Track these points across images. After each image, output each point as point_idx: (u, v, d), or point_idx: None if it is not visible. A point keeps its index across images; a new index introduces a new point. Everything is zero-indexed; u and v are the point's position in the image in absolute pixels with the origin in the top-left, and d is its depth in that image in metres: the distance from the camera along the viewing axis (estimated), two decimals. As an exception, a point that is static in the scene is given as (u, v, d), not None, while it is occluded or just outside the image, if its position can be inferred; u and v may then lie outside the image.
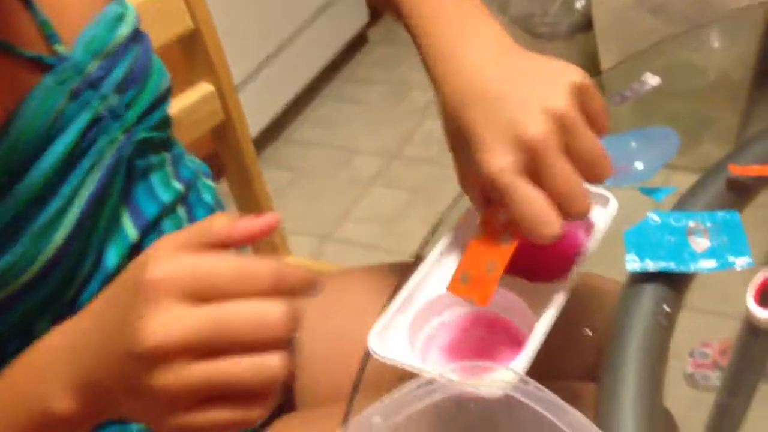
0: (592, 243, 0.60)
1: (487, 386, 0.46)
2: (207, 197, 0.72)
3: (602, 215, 0.62)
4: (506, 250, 0.54)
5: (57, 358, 0.45)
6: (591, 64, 1.96)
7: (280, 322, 0.40)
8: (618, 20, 1.88)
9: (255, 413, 0.41)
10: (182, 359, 0.39)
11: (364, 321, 0.75)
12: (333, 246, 1.97)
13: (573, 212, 0.52)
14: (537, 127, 0.51)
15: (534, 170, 0.52)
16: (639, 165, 0.68)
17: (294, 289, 0.42)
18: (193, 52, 0.97)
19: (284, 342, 0.41)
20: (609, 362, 0.56)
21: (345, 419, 0.58)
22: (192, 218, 0.69)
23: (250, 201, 1.10)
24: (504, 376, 0.46)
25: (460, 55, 0.56)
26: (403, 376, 0.55)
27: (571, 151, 0.52)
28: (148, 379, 0.40)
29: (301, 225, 2.00)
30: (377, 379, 0.60)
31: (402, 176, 2.13)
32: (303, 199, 2.12)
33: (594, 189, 0.64)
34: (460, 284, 0.55)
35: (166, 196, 0.67)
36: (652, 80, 0.79)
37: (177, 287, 0.40)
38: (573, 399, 0.45)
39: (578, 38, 2.02)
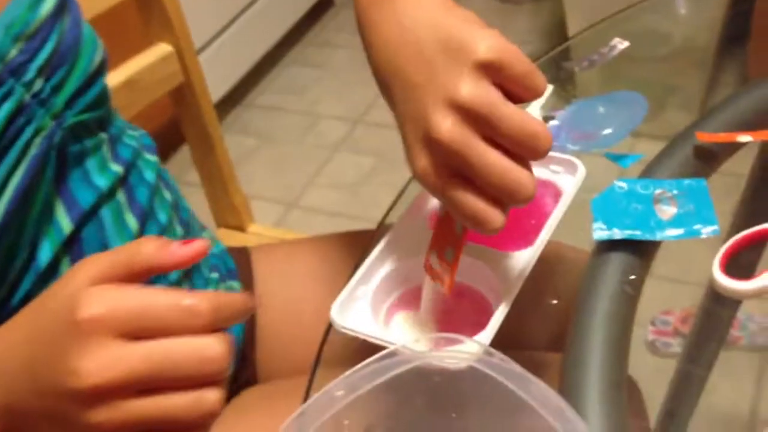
0: (559, 210, 0.59)
1: (451, 358, 0.45)
2: (149, 175, 0.68)
3: (569, 182, 0.61)
4: (459, 237, 0.52)
5: None
6: (559, 29, 1.94)
7: (218, 357, 0.40)
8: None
9: None
10: (118, 397, 0.40)
11: (325, 291, 0.73)
12: (297, 213, 1.95)
13: (514, 202, 0.48)
14: (441, 127, 0.46)
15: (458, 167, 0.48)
16: (607, 130, 0.67)
17: (231, 319, 0.42)
18: (150, 10, 0.94)
19: (222, 375, 0.41)
20: (575, 331, 0.55)
21: (307, 393, 0.57)
22: (133, 201, 0.65)
23: (212, 167, 1.08)
24: (469, 348, 0.45)
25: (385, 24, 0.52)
26: (367, 348, 0.53)
27: (494, 136, 0.47)
28: (83, 417, 0.40)
29: (265, 191, 1.98)
30: (340, 351, 0.59)
31: (367, 141, 2.11)
32: (267, 165, 2.09)
33: (561, 155, 0.63)
34: (431, 267, 0.54)
35: (102, 182, 0.62)
36: (621, 45, 0.78)
37: (112, 326, 0.40)
38: (538, 369, 0.44)
39: (546, 2, 2.01)
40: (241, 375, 0.78)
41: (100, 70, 0.62)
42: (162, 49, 0.95)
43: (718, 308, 0.99)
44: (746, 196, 0.89)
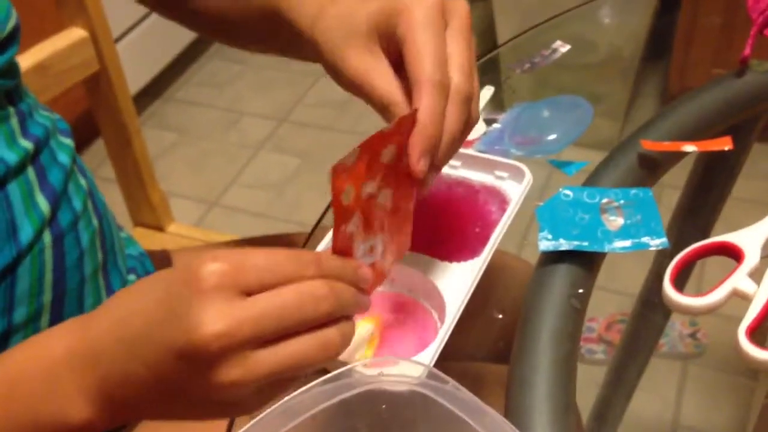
0: (505, 220, 0.55)
1: (394, 381, 0.41)
2: (63, 158, 0.64)
3: (515, 189, 0.58)
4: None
5: (74, 365, 0.42)
6: (488, 34, 1.93)
7: (329, 294, 0.40)
8: (517, -10, 1.86)
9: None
10: (247, 349, 0.38)
11: None
12: (219, 212, 1.87)
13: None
14: None
15: None
16: (551, 136, 0.64)
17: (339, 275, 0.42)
18: (63, -9, 0.87)
19: (336, 312, 0.41)
20: (520, 350, 0.52)
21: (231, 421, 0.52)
22: (44, 182, 0.61)
23: (128, 162, 1.01)
24: (411, 370, 0.41)
25: None
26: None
27: None
28: (213, 378, 0.38)
29: (185, 189, 1.90)
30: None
31: (292, 141, 2.05)
32: (187, 161, 2.01)
33: (507, 161, 0.60)
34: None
35: (10, 156, 0.58)
36: (563, 48, 0.76)
37: (230, 280, 0.39)
38: (477, 381, 0.41)
39: (477, 5, 1.99)
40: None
41: (11, 39, 0.58)
42: (76, 33, 0.89)
43: (650, 316, 0.98)
44: (683, 208, 0.88)
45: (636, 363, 1.02)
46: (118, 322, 0.42)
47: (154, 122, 2.10)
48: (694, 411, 1.40)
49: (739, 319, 0.49)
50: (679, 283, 0.53)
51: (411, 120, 0.44)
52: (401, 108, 0.46)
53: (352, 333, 0.42)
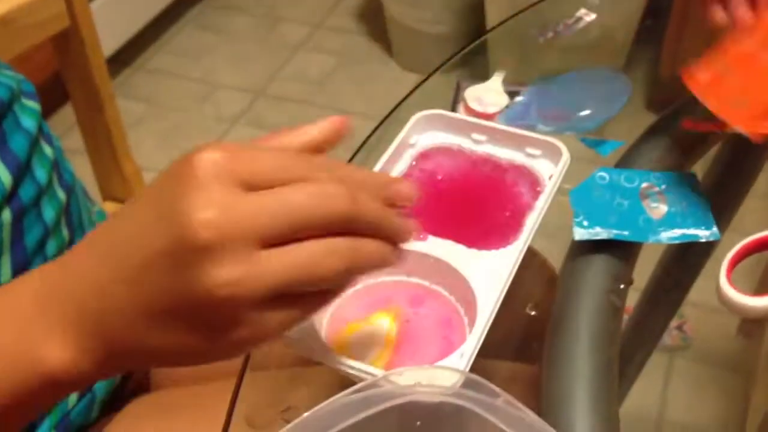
0: (541, 204, 0.49)
1: (430, 393, 0.34)
2: (27, 123, 0.56)
3: (549, 168, 0.52)
4: None
5: (42, 304, 0.35)
6: (479, 18, 1.87)
7: (340, 192, 0.33)
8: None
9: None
10: (244, 245, 0.31)
11: None
12: (190, 188, 1.79)
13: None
14: None
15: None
16: (584, 111, 0.58)
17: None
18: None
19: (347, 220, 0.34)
20: (556, 355, 0.45)
21: (233, 401, 0.45)
22: (6, 150, 0.53)
23: (99, 131, 0.93)
24: (445, 378, 0.34)
25: None
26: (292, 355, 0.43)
27: None
28: (202, 275, 0.31)
29: (156, 162, 1.80)
30: (259, 359, 0.48)
31: (267, 116, 1.97)
32: (157, 134, 1.91)
33: (539, 136, 0.53)
34: None
35: None
36: (588, 17, 0.69)
37: (228, 170, 0.33)
38: (505, 382, 0.35)
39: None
40: (133, 383, 0.67)
41: None
42: (45, -16, 0.80)
43: (655, 313, 0.93)
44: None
45: (635, 362, 0.97)
46: (95, 242, 0.36)
47: (122, 92, 2.00)
48: (680, 404, 1.38)
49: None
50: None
51: None
52: None
53: (386, 252, 0.35)
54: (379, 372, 0.34)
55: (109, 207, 0.98)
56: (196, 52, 2.16)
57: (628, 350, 1.02)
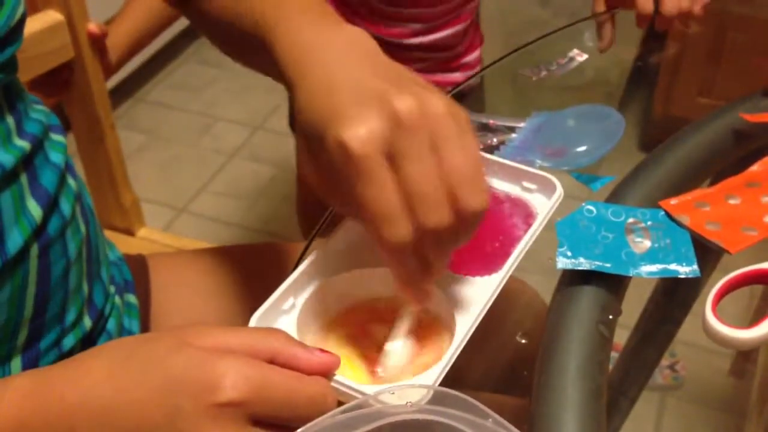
0: (531, 235, 0.50)
1: (414, 411, 0.35)
2: (56, 157, 0.57)
3: (543, 203, 0.53)
4: None
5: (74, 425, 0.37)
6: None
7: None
8: (505, 9, 1.84)
9: None
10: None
11: (229, 307, 0.68)
12: (188, 219, 1.80)
13: (427, 223, 0.39)
14: (405, 103, 0.39)
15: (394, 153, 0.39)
16: (580, 147, 0.59)
17: None
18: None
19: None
20: (546, 383, 0.46)
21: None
22: (36, 185, 0.54)
23: (99, 160, 0.94)
24: (416, 395, 0.35)
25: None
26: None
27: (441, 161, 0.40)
28: None
29: (155, 193, 1.82)
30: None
31: (266, 149, 1.99)
32: (157, 165, 1.93)
33: (536, 171, 0.54)
34: None
35: (6, 159, 0.51)
36: (580, 57, 0.71)
37: (245, 410, 0.36)
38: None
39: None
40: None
41: (17, 31, 0.51)
42: (51, 16, 0.82)
43: (645, 350, 0.94)
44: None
45: (625, 401, 0.97)
46: (99, 407, 0.37)
47: (123, 123, 2.02)
48: (671, 444, 1.37)
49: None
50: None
51: None
52: None
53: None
54: (369, 390, 0.35)
55: (108, 236, 0.99)
56: (197, 86, 2.19)
57: (621, 384, 1.02)
